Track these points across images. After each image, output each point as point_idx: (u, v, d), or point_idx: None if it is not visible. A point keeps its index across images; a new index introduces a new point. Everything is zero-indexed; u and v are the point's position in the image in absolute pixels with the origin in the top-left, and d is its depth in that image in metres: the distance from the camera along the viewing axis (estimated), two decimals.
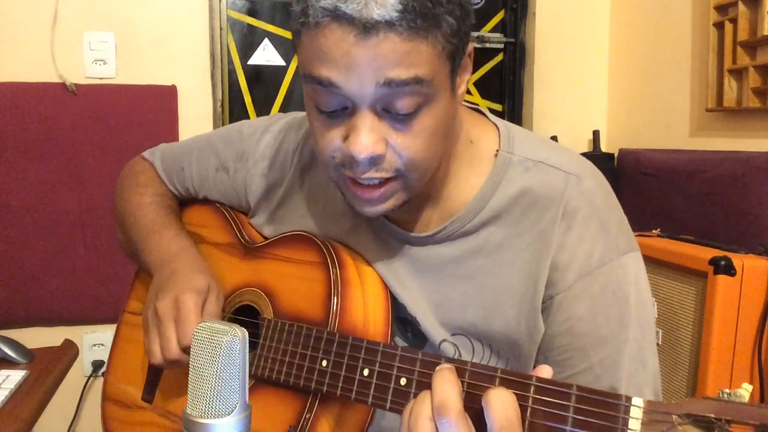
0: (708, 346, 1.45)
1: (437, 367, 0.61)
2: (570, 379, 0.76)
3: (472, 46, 0.72)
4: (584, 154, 1.13)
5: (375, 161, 0.68)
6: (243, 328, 0.58)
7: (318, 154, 0.74)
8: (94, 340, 2.03)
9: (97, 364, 2.03)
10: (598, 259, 0.75)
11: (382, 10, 0.61)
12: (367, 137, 0.66)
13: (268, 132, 0.97)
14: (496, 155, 0.80)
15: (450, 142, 0.75)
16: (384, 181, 0.70)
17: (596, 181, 0.79)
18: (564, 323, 0.75)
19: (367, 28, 0.61)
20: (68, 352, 1.27)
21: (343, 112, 0.68)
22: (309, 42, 0.66)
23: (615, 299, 0.75)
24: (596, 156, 2.26)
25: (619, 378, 0.74)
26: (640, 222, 1.95)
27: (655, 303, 1.63)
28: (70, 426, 2.01)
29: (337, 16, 0.62)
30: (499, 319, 0.78)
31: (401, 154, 0.69)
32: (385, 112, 0.66)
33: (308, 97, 0.71)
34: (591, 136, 2.37)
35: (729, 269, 1.44)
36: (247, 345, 0.58)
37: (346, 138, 0.68)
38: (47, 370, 1.16)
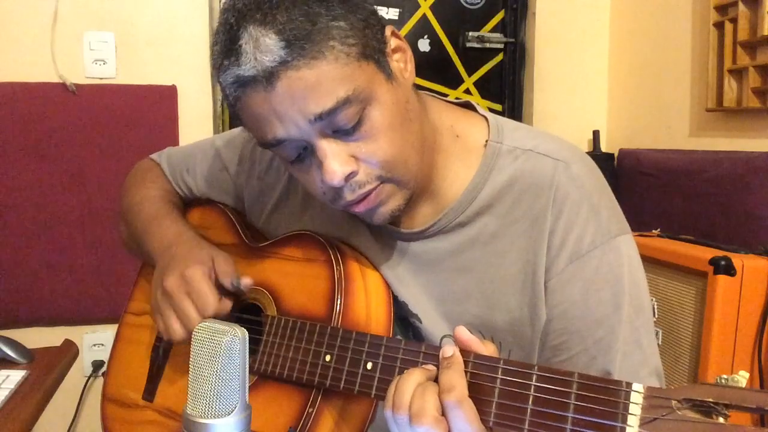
0: (708, 346, 1.45)
1: (445, 351, 0.64)
2: (567, 361, 0.77)
3: (389, 29, 0.74)
4: None
5: (351, 179, 0.70)
6: (243, 328, 0.58)
7: (316, 198, 0.77)
8: (94, 340, 2.03)
9: (97, 364, 2.03)
10: (590, 242, 0.76)
11: (270, 56, 0.64)
12: (333, 163, 0.69)
13: None
14: (485, 146, 0.80)
15: (418, 124, 0.76)
16: (373, 190, 0.72)
17: (585, 166, 0.80)
18: (558, 307, 0.76)
19: (267, 78, 0.65)
20: (68, 352, 1.27)
21: (306, 152, 0.71)
22: (243, 116, 0.71)
23: (607, 281, 0.76)
24: (596, 156, 2.26)
25: (613, 359, 0.75)
26: (640, 222, 1.95)
27: (655, 303, 1.63)
28: (70, 426, 2.01)
29: (242, 83, 0.66)
30: (502, 309, 0.78)
31: (372, 161, 0.71)
32: (336, 132, 0.69)
33: (278, 158, 0.76)
34: (591, 136, 2.37)
35: (729, 269, 1.44)
36: (247, 345, 0.58)
37: None
38: (47, 370, 1.16)
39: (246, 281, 0.82)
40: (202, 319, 0.78)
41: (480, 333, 0.80)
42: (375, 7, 0.72)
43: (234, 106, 0.70)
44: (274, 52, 0.64)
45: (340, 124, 0.68)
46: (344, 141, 0.69)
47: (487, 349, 0.65)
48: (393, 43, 0.74)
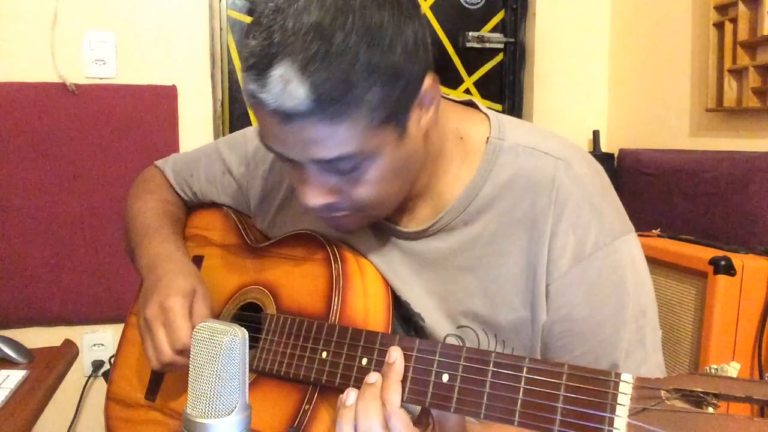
0: (708, 346, 1.45)
1: (389, 355, 0.67)
2: (571, 362, 0.76)
3: (429, 79, 0.70)
4: None
5: (328, 207, 0.73)
6: (243, 328, 0.58)
7: None
8: (94, 340, 2.03)
9: (97, 364, 2.03)
10: (592, 244, 0.75)
11: (293, 102, 0.63)
12: (314, 191, 0.72)
13: None
14: (486, 143, 0.80)
15: (412, 173, 0.77)
16: (344, 216, 0.75)
17: (587, 166, 0.79)
18: (561, 310, 0.76)
19: (283, 117, 0.64)
20: (68, 352, 1.27)
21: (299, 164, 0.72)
22: (254, 113, 0.70)
23: (611, 283, 0.76)
24: (596, 156, 2.26)
25: (617, 358, 0.75)
26: (640, 222, 1.95)
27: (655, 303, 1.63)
28: (70, 426, 2.01)
29: (258, 102, 0.65)
30: (506, 308, 0.78)
31: (353, 200, 0.73)
32: (329, 166, 0.69)
33: None
34: (591, 136, 2.37)
35: (729, 269, 1.44)
36: (247, 345, 0.58)
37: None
38: (47, 370, 1.16)
39: None
40: (173, 353, 0.80)
41: (483, 331, 0.80)
42: (427, 52, 0.69)
43: (247, 102, 0.71)
44: (300, 101, 0.62)
45: (335, 167, 0.69)
46: (332, 174, 0.71)
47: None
48: (428, 94, 0.71)
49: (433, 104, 0.73)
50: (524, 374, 0.59)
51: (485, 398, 0.61)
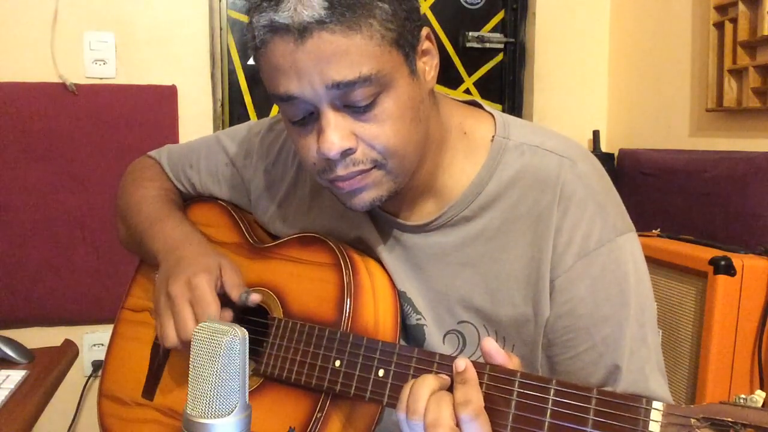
0: (708, 346, 1.45)
1: (458, 365, 0.64)
2: (574, 358, 0.77)
3: (426, 30, 0.75)
4: None
5: (347, 155, 0.71)
6: (243, 329, 0.58)
7: (304, 167, 0.77)
8: (94, 340, 2.03)
9: (97, 364, 2.03)
10: (597, 240, 0.76)
11: (310, 11, 0.65)
12: (333, 134, 0.69)
13: (272, 130, 0.99)
14: (492, 142, 0.81)
15: (425, 126, 0.76)
16: (364, 172, 0.72)
17: (591, 164, 0.81)
18: (566, 305, 0.76)
19: (301, 31, 0.65)
20: (68, 352, 1.27)
21: (311, 117, 0.71)
22: (263, 63, 0.71)
23: (615, 278, 0.76)
24: (596, 156, 2.26)
25: (621, 356, 0.76)
26: (640, 222, 1.95)
27: (655, 303, 1.63)
28: (70, 426, 2.01)
29: (274, 28, 0.67)
30: (507, 305, 0.79)
31: (372, 144, 0.71)
32: (346, 107, 0.70)
33: (282, 115, 0.76)
34: (591, 136, 2.37)
35: (729, 269, 1.44)
36: (248, 345, 0.58)
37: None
38: (47, 370, 1.15)
39: (254, 297, 0.82)
40: None
41: (484, 327, 0.80)
42: (419, 4, 0.73)
43: (257, 49, 0.70)
44: (315, 8, 0.65)
45: (353, 99, 0.68)
46: (351, 117, 0.70)
47: (512, 362, 0.65)
48: (425, 44, 0.75)
49: (433, 63, 0.77)
50: (551, 396, 0.59)
51: (510, 419, 0.61)
